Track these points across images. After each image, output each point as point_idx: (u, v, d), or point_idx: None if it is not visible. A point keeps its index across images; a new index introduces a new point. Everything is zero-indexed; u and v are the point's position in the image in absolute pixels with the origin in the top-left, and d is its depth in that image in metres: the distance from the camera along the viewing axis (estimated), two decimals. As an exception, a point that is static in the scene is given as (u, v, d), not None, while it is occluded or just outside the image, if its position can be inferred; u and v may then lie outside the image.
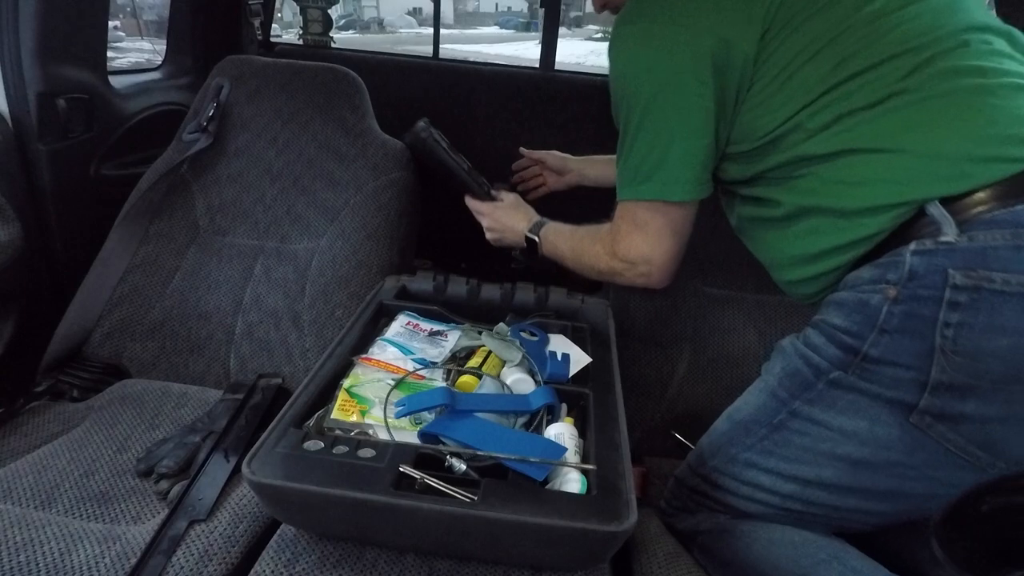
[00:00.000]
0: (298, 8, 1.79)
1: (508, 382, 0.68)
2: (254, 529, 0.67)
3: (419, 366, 0.69)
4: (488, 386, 0.65)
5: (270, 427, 0.57)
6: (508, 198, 0.97)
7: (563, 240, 0.87)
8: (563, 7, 1.60)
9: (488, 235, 0.98)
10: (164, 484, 0.72)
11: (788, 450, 0.64)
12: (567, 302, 0.87)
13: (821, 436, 0.61)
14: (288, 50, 1.68)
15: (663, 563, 0.66)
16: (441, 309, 0.83)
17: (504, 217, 0.95)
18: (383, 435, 0.59)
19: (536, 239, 0.90)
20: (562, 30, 1.61)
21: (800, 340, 0.65)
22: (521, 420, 0.62)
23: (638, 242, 0.74)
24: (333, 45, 1.81)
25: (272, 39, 1.66)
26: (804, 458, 0.63)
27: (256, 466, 0.52)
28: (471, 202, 0.98)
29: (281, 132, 1.08)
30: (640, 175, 0.70)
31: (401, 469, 0.53)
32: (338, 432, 0.58)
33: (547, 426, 0.61)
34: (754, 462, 0.67)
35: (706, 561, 0.69)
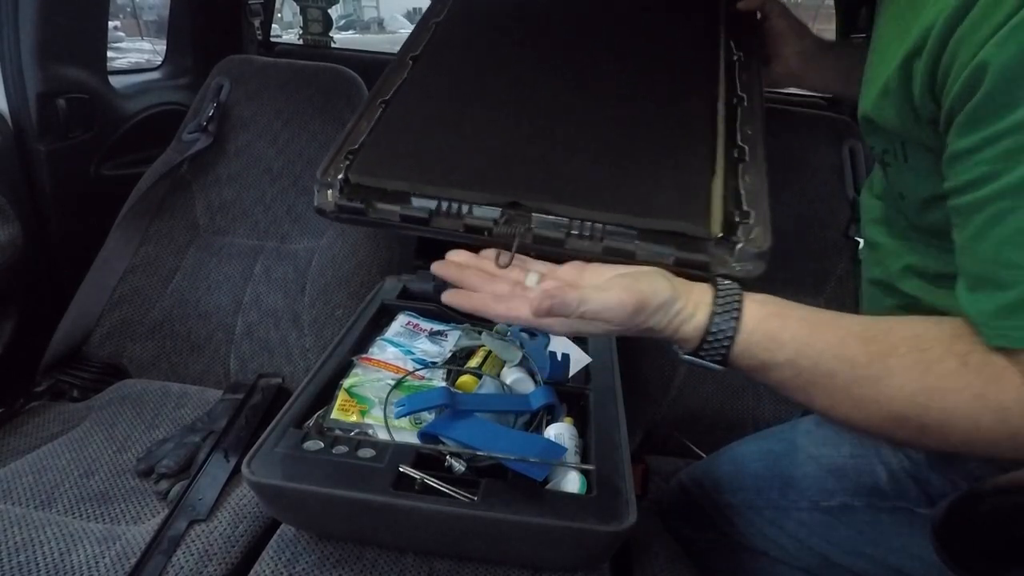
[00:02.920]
0: (298, 8, 1.79)
1: (508, 382, 0.67)
2: (254, 529, 0.67)
3: (419, 366, 0.69)
4: (488, 386, 0.65)
5: (270, 427, 0.57)
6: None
7: (848, 352, 0.40)
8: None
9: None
10: (164, 484, 0.72)
11: (828, 534, 0.59)
12: None
13: (875, 542, 0.56)
14: (288, 50, 1.68)
15: (664, 566, 0.66)
16: (441, 308, 0.83)
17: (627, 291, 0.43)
18: (383, 435, 0.59)
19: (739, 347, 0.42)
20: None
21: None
22: (521, 420, 0.62)
23: None
24: (333, 45, 1.81)
25: (272, 39, 1.66)
26: (844, 549, 0.58)
27: (256, 466, 0.52)
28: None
29: (281, 132, 1.08)
30: None
31: (401, 469, 0.52)
32: (338, 432, 0.58)
33: (547, 426, 0.61)
34: (783, 525, 0.62)
35: (704, 569, 0.68)
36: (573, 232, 0.49)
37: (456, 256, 0.49)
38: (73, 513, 0.69)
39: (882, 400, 0.38)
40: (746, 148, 0.54)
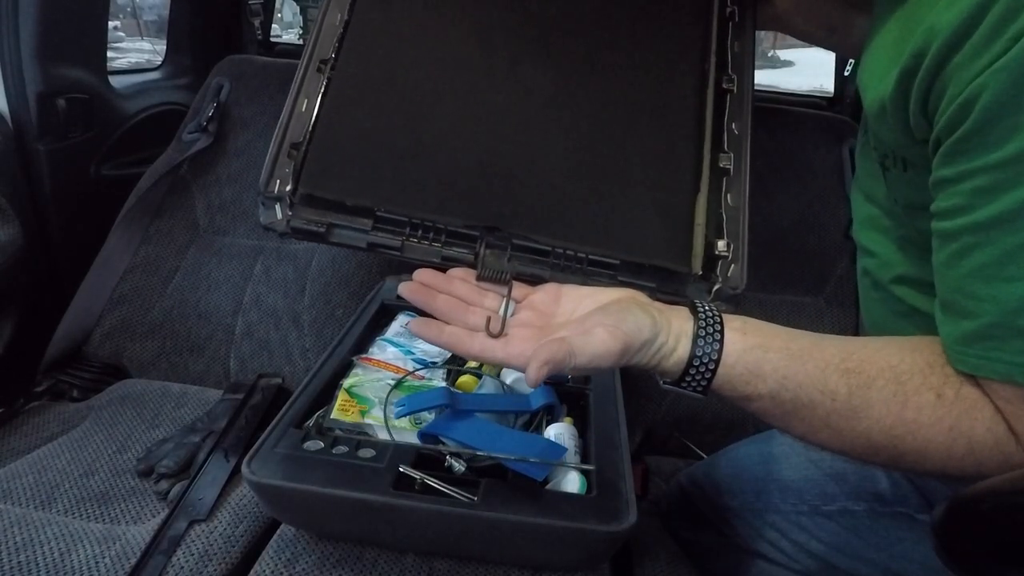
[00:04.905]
0: (298, 8, 1.79)
1: (508, 382, 0.67)
2: (254, 529, 0.67)
3: (419, 366, 0.69)
4: (488, 386, 0.65)
5: (270, 427, 0.57)
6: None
7: (818, 375, 0.40)
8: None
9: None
10: (164, 484, 0.72)
11: (829, 539, 0.59)
12: None
13: (876, 546, 0.56)
14: (288, 50, 1.67)
15: (665, 566, 0.66)
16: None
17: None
18: (383, 435, 0.59)
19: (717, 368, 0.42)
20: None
21: None
22: (521, 420, 0.62)
23: None
24: (333, 45, 1.81)
25: (272, 39, 1.66)
26: (844, 553, 0.58)
27: (256, 466, 0.52)
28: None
29: (281, 132, 1.08)
30: None
31: (401, 469, 0.52)
32: (338, 432, 0.58)
33: (547, 426, 0.61)
34: (783, 529, 0.62)
35: (704, 571, 0.68)
36: (557, 269, 0.47)
37: (424, 276, 0.46)
38: (73, 513, 0.69)
39: (860, 431, 0.39)
40: (731, 155, 0.52)
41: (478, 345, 0.42)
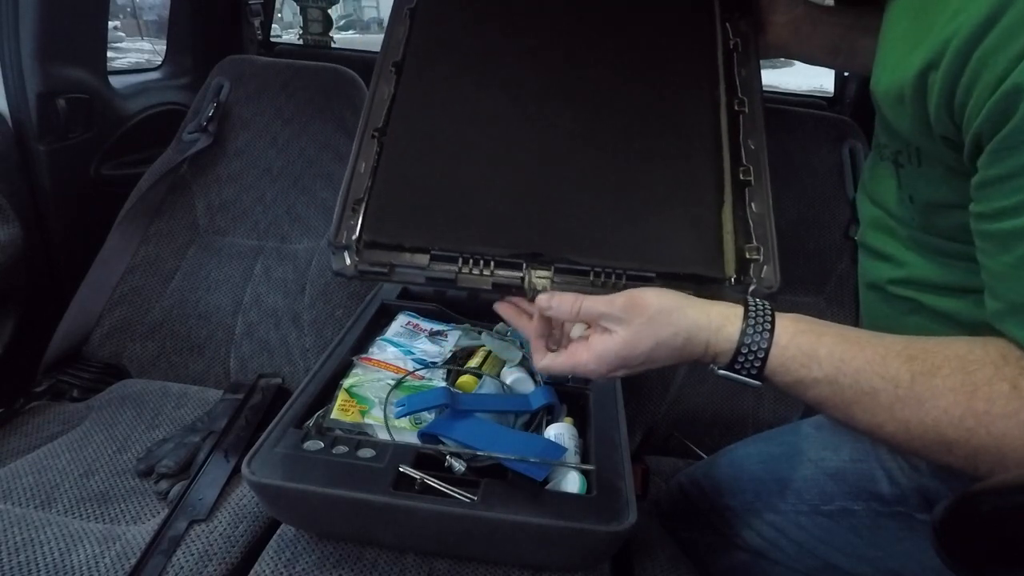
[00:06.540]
0: (298, 8, 1.79)
1: (508, 382, 0.67)
2: (254, 529, 0.67)
3: (419, 366, 0.69)
4: (488, 386, 0.65)
5: (270, 427, 0.57)
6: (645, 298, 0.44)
7: (876, 360, 0.39)
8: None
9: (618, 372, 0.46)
10: (164, 484, 0.72)
11: (828, 538, 0.59)
12: None
13: (875, 546, 0.56)
14: (288, 50, 1.68)
15: (665, 566, 0.66)
16: (441, 309, 0.83)
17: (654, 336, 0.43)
18: (383, 435, 0.59)
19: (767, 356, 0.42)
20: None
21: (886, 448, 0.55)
22: (521, 420, 0.62)
23: None
24: (333, 45, 1.81)
25: (272, 39, 1.66)
26: (844, 552, 0.58)
27: (256, 466, 0.52)
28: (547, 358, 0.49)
29: (281, 132, 1.08)
30: None
31: (401, 469, 0.52)
32: (338, 432, 0.58)
33: (547, 426, 0.61)
34: (782, 528, 0.62)
35: (703, 571, 0.68)
36: (597, 285, 0.51)
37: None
38: (73, 513, 0.69)
39: (928, 422, 0.37)
40: (751, 168, 0.55)
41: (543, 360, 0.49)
